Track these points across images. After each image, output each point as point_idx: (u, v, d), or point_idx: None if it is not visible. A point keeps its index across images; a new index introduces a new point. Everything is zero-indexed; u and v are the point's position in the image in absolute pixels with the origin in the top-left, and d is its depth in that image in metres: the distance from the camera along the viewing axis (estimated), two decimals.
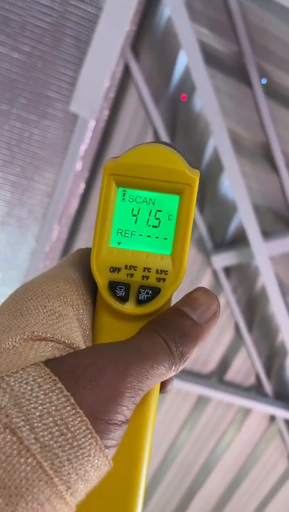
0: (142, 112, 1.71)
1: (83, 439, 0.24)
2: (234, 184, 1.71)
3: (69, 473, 0.23)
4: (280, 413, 2.33)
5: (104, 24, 1.51)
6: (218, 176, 1.83)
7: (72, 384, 0.25)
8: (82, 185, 1.74)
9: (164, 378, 0.29)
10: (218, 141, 1.66)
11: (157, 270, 0.31)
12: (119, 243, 0.31)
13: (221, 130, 1.64)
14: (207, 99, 1.60)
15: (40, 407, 0.24)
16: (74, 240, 1.82)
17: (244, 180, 1.71)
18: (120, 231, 0.31)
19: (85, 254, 0.34)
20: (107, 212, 0.31)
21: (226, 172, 1.70)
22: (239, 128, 1.80)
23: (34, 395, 0.24)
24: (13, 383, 0.25)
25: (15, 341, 0.26)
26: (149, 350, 0.28)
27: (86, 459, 0.24)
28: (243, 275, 2.03)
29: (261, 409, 2.31)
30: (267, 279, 1.86)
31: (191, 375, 2.15)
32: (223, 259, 1.93)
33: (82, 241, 1.81)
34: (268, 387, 2.29)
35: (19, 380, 0.25)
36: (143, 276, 0.31)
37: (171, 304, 0.32)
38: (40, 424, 0.24)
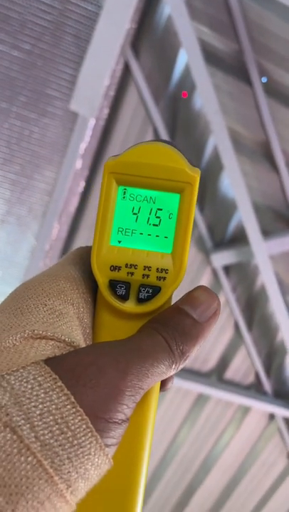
0: (141, 111, 1.71)
1: (83, 438, 0.24)
2: (234, 183, 1.71)
3: (69, 472, 0.24)
4: (279, 411, 2.33)
5: (105, 22, 1.51)
6: (218, 175, 1.83)
7: (72, 382, 0.25)
8: (82, 184, 1.74)
9: (165, 377, 0.29)
10: (218, 140, 1.66)
11: (158, 269, 0.31)
12: (119, 242, 0.31)
13: (221, 129, 1.64)
14: (207, 98, 1.60)
15: (40, 406, 0.24)
16: (74, 238, 1.82)
17: (244, 179, 1.71)
18: (121, 230, 0.31)
19: (86, 253, 0.34)
20: (108, 211, 0.31)
21: (226, 171, 1.70)
22: (239, 126, 1.80)
23: (34, 393, 0.24)
24: (13, 382, 0.25)
25: (15, 340, 0.26)
26: (150, 349, 0.28)
27: (86, 457, 0.24)
28: (242, 274, 2.03)
29: (260, 407, 2.31)
30: (266, 278, 1.86)
31: (190, 374, 2.16)
32: (222, 258, 1.93)
33: (82, 239, 1.81)
34: (267, 385, 2.30)
35: (19, 378, 0.25)
36: (143, 275, 0.31)
37: (172, 303, 0.32)
38: (40, 423, 0.24)
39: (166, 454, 2.36)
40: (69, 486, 0.24)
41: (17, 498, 0.22)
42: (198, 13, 1.60)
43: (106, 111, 1.66)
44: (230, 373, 2.24)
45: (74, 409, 0.24)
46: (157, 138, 1.71)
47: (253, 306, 2.11)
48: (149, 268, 0.31)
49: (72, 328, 0.29)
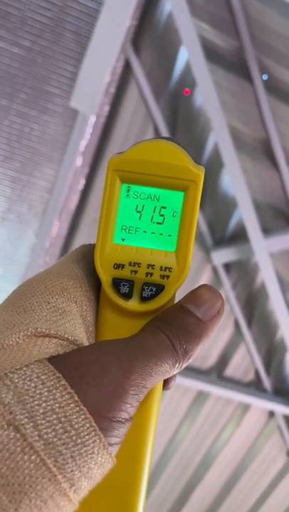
0: (142, 108, 1.70)
1: (87, 437, 0.24)
2: (234, 180, 1.71)
3: (72, 471, 0.24)
4: (279, 409, 2.33)
5: (105, 19, 1.50)
6: (219, 172, 1.83)
7: (76, 381, 0.25)
8: (83, 181, 1.74)
9: (168, 375, 0.29)
10: (219, 137, 1.66)
11: (161, 267, 0.31)
12: (123, 240, 0.31)
13: (222, 126, 1.63)
14: (208, 95, 1.60)
15: (44, 404, 0.24)
16: (74, 235, 1.82)
17: (244, 177, 1.71)
18: (124, 227, 0.31)
19: (89, 251, 0.34)
20: (111, 209, 0.31)
21: (226, 168, 1.70)
22: (239, 124, 1.80)
23: (38, 392, 0.24)
24: (16, 380, 0.24)
25: (18, 338, 0.26)
26: (153, 348, 0.28)
27: (90, 456, 0.24)
28: (242, 271, 2.03)
29: (260, 404, 2.31)
30: (266, 276, 1.86)
31: (190, 371, 2.16)
32: (223, 256, 1.93)
33: (82, 237, 1.81)
34: (267, 383, 2.30)
35: (23, 376, 0.25)
36: (147, 273, 0.31)
37: (175, 301, 0.32)
38: (43, 422, 0.24)
39: (166, 450, 2.36)
40: (72, 485, 0.24)
41: (20, 496, 0.22)
42: (198, 10, 1.60)
43: (106, 108, 1.66)
44: (230, 371, 2.24)
45: (77, 408, 0.24)
46: (161, 135, 1.71)
47: (253, 304, 2.11)
48: (152, 266, 0.31)
49: (76, 326, 0.29)
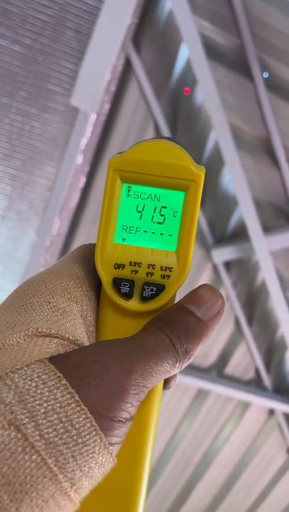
0: (142, 106, 1.70)
1: (88, 436, 0.24)
2: (235, 178, 1.70)
3: (73, 470, 0.24)
4: (279, 407, 2.33)
5: (106, 17, 1.50)
6: (219, 171, 1.83)
7: (76, 381, 0.25)
8: (83, 179, 1.74)
9: (168, 375, 0.29)
10: (219, 136, 1.65)
11: (162, 267, 0.31)
12: (123, 239, 0.31)
13: (222, 124, 1.63)
14: (208, 93, 1.59)
15: (44, 404, 0.24)
16: (74, 233, 1.82)
17: (245, 175, 1.71)
18: (125, 227, 0.31)
19: (89, 250, 0.34)
20: (112, 209, 0.31)
21: (227, 166, 1.70)
22: (240, 122, 1.80)
23: (39, 391, 0.24)
24: (17, 380, 0.25)
25: (19, 337, 0.26)
26: (154, 347, 0.28)
27: (90, 455, 0.24)
28: (243, 270, 2.03)
29: (260, 402, 2.31)
30: (267, 274, 1.86)
31: (190, 369, 2.16)
32: (223, 254, 1.93)
33: (83, 235, 1.81)
34: (267, 381, 2.30)
35: (24, 376, 0.25)
36: (147, 273, 0.31)
37: (176, 301, 0.32)
38: (44, 421, 0.24)
39: (166, 448, 2.37)
40: (73, 485, 0.24)
41: (21, 496, 0.22)
42: (199, 7, 1.60)
43: (107, 106, 1.66)
44: (230, 369, 2.24)
45: (78, 408, 0.24)
46: (161, 134, 1.71)
47: (254, 302, 2.11)
48: (153, 266, 0.31)
49: (76, 326, 0.29)
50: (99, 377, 0.25)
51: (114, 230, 0.31)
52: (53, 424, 0.24)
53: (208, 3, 1.61)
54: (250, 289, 2.08)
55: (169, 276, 0.31)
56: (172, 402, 2.25)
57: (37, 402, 0.24)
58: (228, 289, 2.03)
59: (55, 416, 0.24)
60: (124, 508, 0.29)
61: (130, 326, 0.31)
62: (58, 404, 0.24)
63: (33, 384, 0.25)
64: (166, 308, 0.31)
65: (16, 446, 0.23)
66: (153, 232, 0.31)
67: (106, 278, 0.31)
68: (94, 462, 0.24)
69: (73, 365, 0.26)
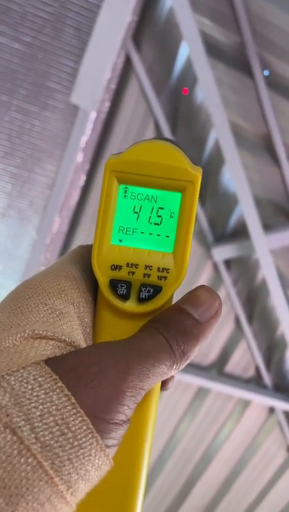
0: (143, 104, 1.70)
1: (84, 439, 0.24)
2: (235, 176, 1.70)
3: (69, 473, 0.23)
4: (279, 405, 2.34)
5: (106, 14, 1.50)
6: (219, 169, 1.82)
7: (73, 383, 0.25)
8: (83, 177, 1.73)
9: (166, 377, 0.29)
10: (220, 134, 1.65)
11: (159, 268, 0.31)
12: (120, 241, 0.31)
13: (223, 122, 1.63)
14: (209, 91, 1.59)
15: (40, 407, 0.24)
16: (75, 231, 1.82)
17: (245, 173, 1.70)
18: (122, 228, 0.31)
19: (87, 251, 0.34)
20: (109, 210, 0.31)
21: (227, 164, 1.70)
22: (240, 120, 1.79)
23: (35, 394, 0.24)
24: (13, 382, 0.24)
25: (15, 339, 0.26)
26: (151, 349, 0.28)
27: (87, 458, 0.24)
28: (243, 268, 2.03)
29: (260, 400, 2.32)
30: (267, 272, 1.86)
31: (191, 367, 2.16)
32: (223, 252, 1.93)
33: (83, 233, 1.81)
34: (267, 379, 2.30)
35: (20, 379, 0.25)
36: (144, 274, 0.31)
37: (173, 302, 0.32)
38: (40, 424, 0.24)
39: (166, 446, 2.37)
40: (69, 487, 0.24)
41: (17, 499, 0.22)
42: (199, 5, 1.59)
43: (107, 104, 1.66)
44: (230, 367, 2.24)
45: (74, 410, 0.24)
46: (159, 135, 1.70)
47: (254, 300, 2.11)
48: (150, 267, 0.30)
49: (73, 327, 0.29)
50: (96, 380, 0.25)
51: (111, 231, 0.31)
52: (48, 427, 0.24)
53: (208, 0, 1.61)
54: (250, 287, 2.08)
55: (166, 278, 0.31)
56: (172, 401, 2.25)
57: (33, 404, 0.24)
58: (228, 287, 2.03)
59: (51, 418, 0.24)
60: (122, 511, 0.29)
61: (127, 327, 0.31)
62: (53, 407, 0.24)
63: (29, 386, 0.24)
64: (163, 310, 0.31)
65: (12, 449, 0.23)
66: (150, 233, 0.31)
67: (103, 279, 0.31)
68: (90, 465, 0.24)
69: (70, 367, 0.26)
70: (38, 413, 0.24)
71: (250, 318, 2.13)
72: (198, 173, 0.30)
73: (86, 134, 1.66)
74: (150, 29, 1.62)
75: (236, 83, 1.74)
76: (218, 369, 2.23)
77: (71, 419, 0.24)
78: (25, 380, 0.25)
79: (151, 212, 0.31)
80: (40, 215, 1.75)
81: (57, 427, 0.24)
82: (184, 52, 1.64)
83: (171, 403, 2.26)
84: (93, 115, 1.64)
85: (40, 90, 1.60)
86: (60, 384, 0.25)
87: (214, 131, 1.71)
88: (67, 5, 1.51)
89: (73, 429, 0.24)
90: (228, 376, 2.26)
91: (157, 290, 0.31)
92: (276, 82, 1.77)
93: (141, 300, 0.31)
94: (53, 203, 1.73)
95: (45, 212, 1.74)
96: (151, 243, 0.31)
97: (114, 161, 0.30)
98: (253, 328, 2.15)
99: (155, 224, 0.31)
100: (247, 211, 1.75)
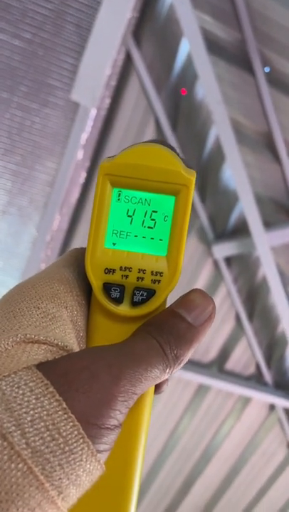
0: (143, 101, 1.69)
1: (75, 444, 0.24)
2: (236, 174, 1.70)
3: (60, 478, 0.23)
4: (280, 402, 2.34)
5: (106, 11, 1.49)
6: (220, 166, 1.82)
7: (64, 388, 0.25)
8: (84, 174, 1.73)
9: (159, 381, 0.28)
10: (220, 131, 1.65)
11: (152, 272, 0.30)
12: (114, 244, 0.31)
13: (223, 119, 1.62)
14: (209, 88, 1.59)
15: (31, 412, 0.24)
16: (75, 229, 1.82)
17: (246, 170, 1.70)
18: (115, 232, 0.31)
19: (81, 254, 0.34)
20: (102, 213, 0.31)
21: (228, 162, 1.69)
22: (241, 117, 1.79)
23: (26, 399, 0.24)
24: (4, 387, 0.24)
25: (7, 344, 0.26)
26: (144, 353, 0.28)
27: (78, 463, 0.24)
28: (244, 265, 2.02)
29: (261, 398, 2.32)
30: (268, 270, 1.86)
31: (191, 364, 2.16)
32: (224, 249, 1.93)
33: (83, 230, 1.81)
34: (267, 376, 2.30)
35: (11, 384, 0.25)
36: (138, 278, 0.30)
37: (167, 305, 0.31)
38: (31, 429, 0.23)
39: (167, 444, 2.37)
40: (60, 493, 0.23)
41: (7, 505, 0.22)
42: (200, 1, 1.58)
43: (107, 101, 1.65)
44: (230, 364, 2.24)
45: (65, 416, 0.24)
46: (162, 131, 1.70)
47: (254, 298, 2.11)
48: (143, 271, 0.30)
49: (66, 331, 0.29)
50: (87, 384, 0.25)
51: (104, 235, 0.31)
52: (39, 432, 0.24)
53: None
54: (250, 285, 2.07)
55: (159, 281, 0.30)
56: (173, 398, 2.26)
57: (24, 410, 0.24)
58: (228, 285, 2.03)
59: (42, 424, 0.24)
60: None
61: (121, 331, 0.31)
62: (44, 412, 0.24)
63: (20, 391, 0.24)
64: (156, 313, 0.31)
65: (2, 454, 0.23)
66: (144, 237, 0.31)
67: (96, 283, 0.31)
68: (81, 470, 0.24)
69: (61, 372, 0.26)
70: (28, 418, 0.24)
71: (250, 316, 2.13)
72: (191, 177, 0.30)
73: (86, 131, 1.66)
74: (150, 26, 1.61)
75: (237, 80, 1.73)
76: (218, 366, 2.23)
77: (62, 424, 0.24)
78: (16, 385, 0.24)
79: (145, 216, 0.31)
80: (40, 212, 1.75)
81: (48, 433, 0.24)
82: (184, 49, 1.64)
83: (172, 401, 2.26)
84: (93, 112, 1.64)
85: (40, 87, 1.59)
86: (51, 389, 0.25)
87: (215, 128, 1.71)
88: (67, 1, 1.51)
89: (64, 434, 0.24)
90: (228, 373, 2.26)
91: (151, 294, 0.30)
92: (277, 79, 1.77)
93: (134, 304, 0.30)
94: (53, 200, 1.73)
95: (46, 210, 1.74)
96: (145, 247, 0.31)
97: (107, 164, 0.30)
98: (254, 325, 2.15)
99: (149, 227, 0.31)
100: (247, 208, 1.74)
